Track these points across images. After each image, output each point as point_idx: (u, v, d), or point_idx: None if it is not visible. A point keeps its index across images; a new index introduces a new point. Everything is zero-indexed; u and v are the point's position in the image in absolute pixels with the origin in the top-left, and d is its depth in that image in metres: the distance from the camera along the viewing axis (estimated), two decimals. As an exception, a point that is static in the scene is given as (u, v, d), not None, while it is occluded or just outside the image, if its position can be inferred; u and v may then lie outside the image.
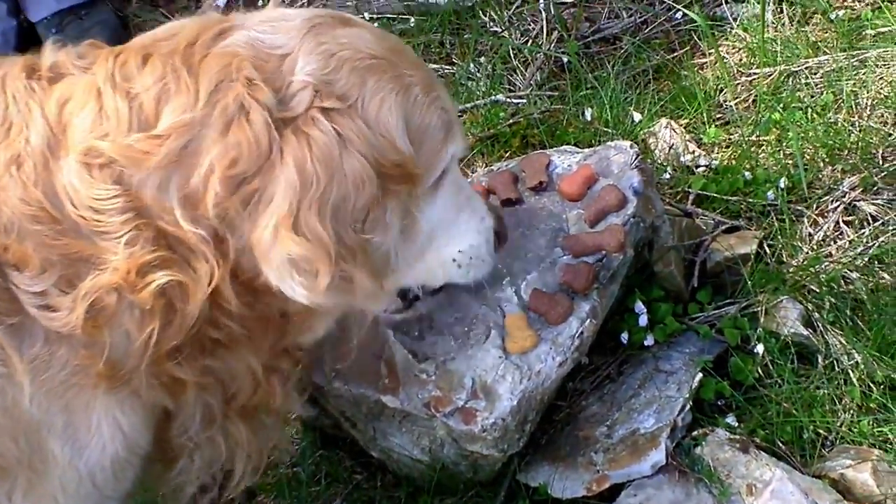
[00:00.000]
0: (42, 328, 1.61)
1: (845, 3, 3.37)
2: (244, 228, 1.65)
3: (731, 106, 3.09)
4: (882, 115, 2.95)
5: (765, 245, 2.61)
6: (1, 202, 1.59)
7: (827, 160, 2.84)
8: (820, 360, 2.40)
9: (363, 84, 1.70)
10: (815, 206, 2.72)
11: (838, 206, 2.72)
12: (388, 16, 3.70)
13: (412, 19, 3.60)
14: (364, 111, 1.70)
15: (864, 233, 2.65)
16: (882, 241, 2.61)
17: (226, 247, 1.66)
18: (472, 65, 3.33)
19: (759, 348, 2.39)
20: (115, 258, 1.60)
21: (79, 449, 1.70)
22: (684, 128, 3.02)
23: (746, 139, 2.93)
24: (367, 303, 1.81)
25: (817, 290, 2.49)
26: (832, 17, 3.27)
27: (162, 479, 1.95)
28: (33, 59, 1.72)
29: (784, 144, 2.90)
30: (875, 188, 2.75)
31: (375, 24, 3.61)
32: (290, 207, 1.62)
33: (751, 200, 2.73)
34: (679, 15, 3.47)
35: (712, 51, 3.24)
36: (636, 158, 2.33)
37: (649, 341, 2.41)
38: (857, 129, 2.91)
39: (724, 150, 2.96)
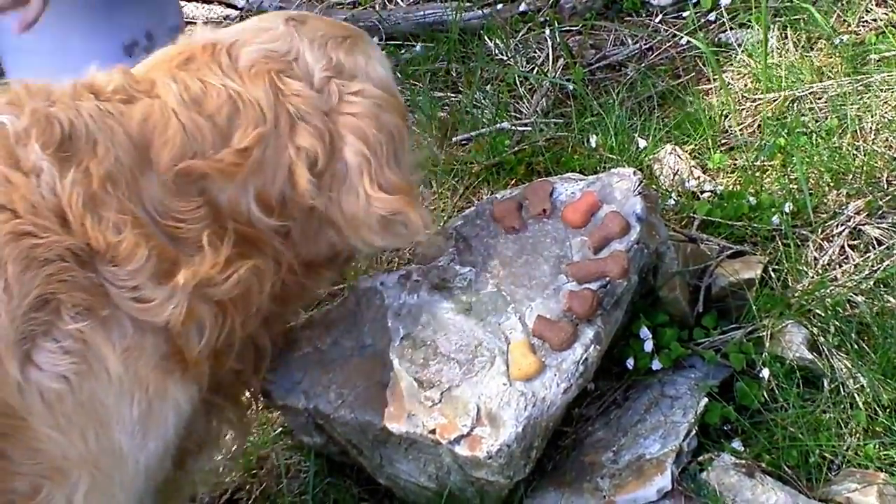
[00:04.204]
0: (129, 319, 1.74)
1: (849, 28, 3.39)
2: (323, 210, 1.99)
3: (735, 131, 3.11)
4: (887, 140, 2.96)
5: (770, 270, 2.61)
6: (104, 211, 1.72)
7: (832, 184, 2.85)
8: (825, 383, 2.40)
9: (356, 59, 2.09)
10: (819, 230, 2.73)
11: (843, 230, 2.72)
12: (396, 42, 3.74)
13: (418, 46, 3.64)
14: (370, 77, 2.09)
15: (869, 257, 2.66)
16: (887, 265, 2.61)
17: (291, 237, 1.98)
18: (478, 93, 3.35)
19: (765, 373, 2.39)
20: (200, 256, 1.81)
21: (144, 440, 1.78)
22: (689, 154, 3.03)
23: (751, 164, 2.94)
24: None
25: (822, 315, 2.49)
26: (836, 42, 3.28)
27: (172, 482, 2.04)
28: (86, 82, 1.88)
29: (789, 169, 2.90)
30: (880, 212, 2.75)
31: (383, 52, 3.65)
32: (370, 173, 1.98)
33: (756, 225, 2.73)
34: (684, 41, 3.50)
35: (717, 77, 3.25)
36: (639, 185, 2.34)
37: (655, 366, 2.41)
38: (862, 153, 2.92)
39: (729, 175, 2.97)
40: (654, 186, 2.85)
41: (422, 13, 3.76)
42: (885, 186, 2.82)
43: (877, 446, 2.30)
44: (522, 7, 3.75)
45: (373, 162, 1.99)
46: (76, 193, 1.70)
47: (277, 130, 1.93)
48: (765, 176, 2.93)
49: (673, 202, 2.84)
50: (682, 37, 3.51)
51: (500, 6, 3.77)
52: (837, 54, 3.26)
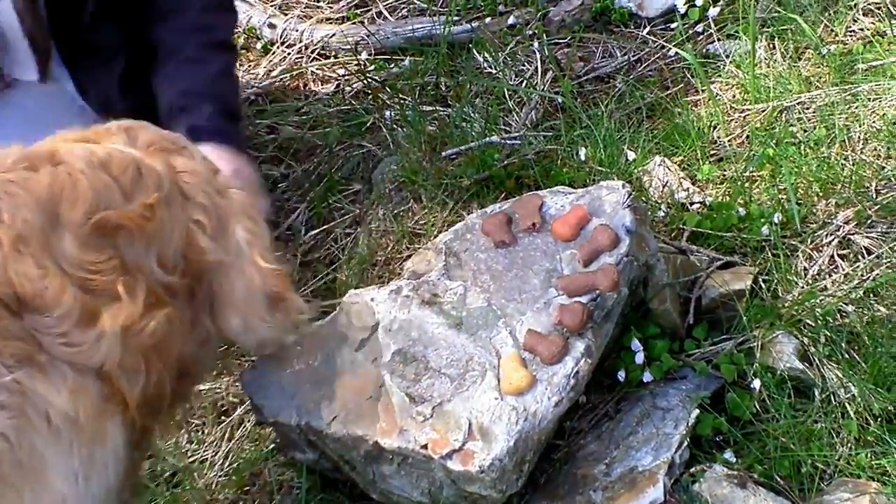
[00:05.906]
0: (67, 363, 1.74)
1: (837, 38, 3.39)
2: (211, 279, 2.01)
3: (724, 142, 3.11)
4: (875, 149, 2.96)
5: (760, 280, 2.62)
6: (25, 266, 1.73)
7: (820, 194, 2.86)
8: (817, 393, 2.40)
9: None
10: (809, 240, 2.73)
11: (832, 239, 2.72)
12: (385, 56, 3.74)
13: (407, 60, 3.64)
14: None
15: (858, 266, 2.66)
16: (877, 274, 2.61)
17: (194, 295, 1.99)
18: (467, 107, 3.35)
19: (756, 383, 2.40)
20: (118, 304, 1.81)
21: (87, 485, 1.76)
22: (678, 165, 3.03)
23: (740, 175, 2.95)
24: None
25: (813, 325, 2.50)
26: (824, 52, 3.29)
27: None
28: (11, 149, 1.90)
29: (778, 179, 2.91)
30: (869, 221, 2.75)
31: (372, 66, 3.67)
32: (259, 249, 2.04)
33: (745, 236, 2.73)
34: (672, 53, 3.50)
35: (705, 88, 3.26)
36: (628, 198, 2.35)
37: (646, 378, 2.42)
38: (851, 162, 2.92)
39: (718, 186, 2.97)
40: (643, 198, 2.86)
41: (410, 27, 3.77)
42: (874, 195, 2.82)
43: (868, 455, 2.30)
44: (511, 20, 3.75)
45: (260, 242, 2.06)
46: None
47: (174, 199, 1.95)
48: (754, 186, 2.93)
49: (662, 214, 2.84)
50: (670, 48, 3.51)
51: (488, 20, 3.77)
52: (825, 64, 3.26)
